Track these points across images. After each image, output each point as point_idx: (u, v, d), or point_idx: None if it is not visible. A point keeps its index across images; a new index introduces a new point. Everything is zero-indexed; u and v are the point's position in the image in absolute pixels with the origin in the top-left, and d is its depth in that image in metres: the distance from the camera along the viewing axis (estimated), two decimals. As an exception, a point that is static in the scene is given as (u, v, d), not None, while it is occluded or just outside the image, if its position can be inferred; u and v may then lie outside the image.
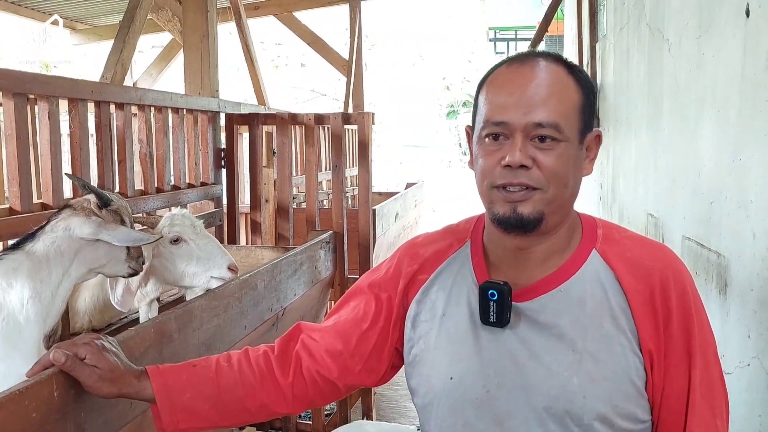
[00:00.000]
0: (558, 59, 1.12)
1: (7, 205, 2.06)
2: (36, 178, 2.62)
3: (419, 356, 1.20)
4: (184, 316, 1.80)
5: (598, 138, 1.16)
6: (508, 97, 1.07)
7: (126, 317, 2.47)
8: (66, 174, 2.28)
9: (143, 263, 1.94)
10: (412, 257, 1.26)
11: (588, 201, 5.68)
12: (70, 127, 2.40)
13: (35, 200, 2.19)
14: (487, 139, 1.09)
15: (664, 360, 1.07)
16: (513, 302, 1.10)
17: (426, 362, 1.18)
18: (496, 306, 1.10)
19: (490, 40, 13.36)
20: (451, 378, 1.13)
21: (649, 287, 1.08)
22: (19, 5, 5.89)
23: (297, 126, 3.84)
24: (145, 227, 2.23)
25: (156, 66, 6.86)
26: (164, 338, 1.67)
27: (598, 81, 5.14)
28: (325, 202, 4.93)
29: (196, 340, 1.85)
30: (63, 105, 2.38)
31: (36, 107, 2.27)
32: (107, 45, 7.10)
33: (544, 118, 1.05)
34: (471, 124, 1.17)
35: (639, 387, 1.07)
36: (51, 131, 2.24)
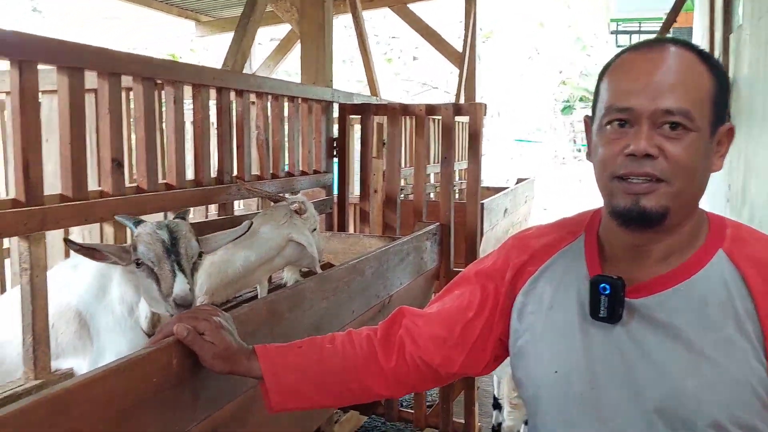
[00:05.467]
0: (689, 46, 1.05)
1: (135, 184, 2.19)
2: (161, 159, 2.77)
3: (524, 348, 1.17)
4: (295, 297, 1.84)
5: (731, 132, 1.08)
6: (633, 82, 1.02)
7: (241, 296, 2.56)
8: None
9: None
10: (521, 248, 1.23)
11: (714, 201, 5.34)
12: (193, 113, 2.51)
13: (160, 180, 2.31)
14: (609, 127, 1.04)
15: None
16: (626, 298, 1.05)
17: (531, 354, 1.16)
18: (608, 301, 1.05)
19: (611, 33, 12.78)
20: (556, 372, 1.10)
21: None
22: (152, -1, 6.27)
23: (407, 117, 3.84)
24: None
25: (273, 58, 7.08)
26: (275, 317, 1.72)
27: (731, 75, 4.80)
28: (431, 194, 4.92)
29: (306, 322, 1.89)
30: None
31: (163, 92, 2.39)
32: (228, 37, 7.43)
33: (673, 104, 0.99)
34: (590, 114, 1.13)
35: (763, 397, 0.98)
36: (176, 115, 2.35)
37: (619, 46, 12.37)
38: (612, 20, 12.13)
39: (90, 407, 1.10)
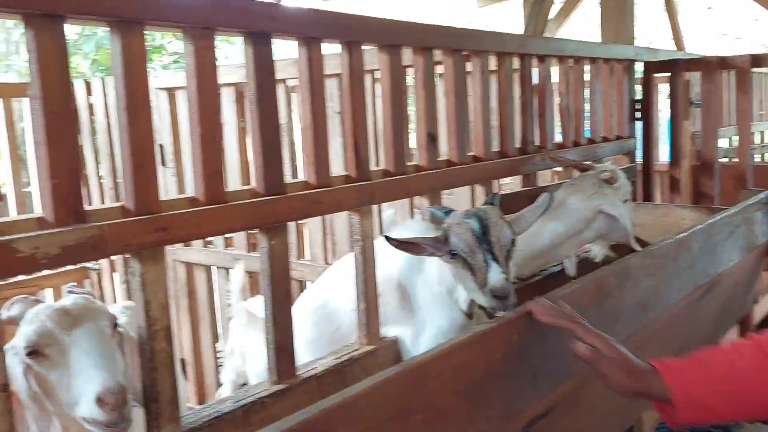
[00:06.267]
0: None
1: (446, 158, 2.20)
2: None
3: None
4: (622, 273, 1.71)
5: None
6: None
7: (546, 270, 2.48)
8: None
9: None
10: None
11: None
12: (498, 82, 2.45)
13: (467, 153, 2.29)
14: None
15: None
16: None
17: None
18: None
19: None
20: None
21: None
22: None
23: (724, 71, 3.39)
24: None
25: (556, 20, 6.81)
26: (603, 293, 1.61)
27: None
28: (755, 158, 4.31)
29: (632, 299, 1.74)
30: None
31: (469, 63, 2.36)
32: (506, 5, 7.32)
33: None
34: None
35: None
36: (482, 86, 2.31)
37: None
38: None
39: (441, 380, 1.10)
